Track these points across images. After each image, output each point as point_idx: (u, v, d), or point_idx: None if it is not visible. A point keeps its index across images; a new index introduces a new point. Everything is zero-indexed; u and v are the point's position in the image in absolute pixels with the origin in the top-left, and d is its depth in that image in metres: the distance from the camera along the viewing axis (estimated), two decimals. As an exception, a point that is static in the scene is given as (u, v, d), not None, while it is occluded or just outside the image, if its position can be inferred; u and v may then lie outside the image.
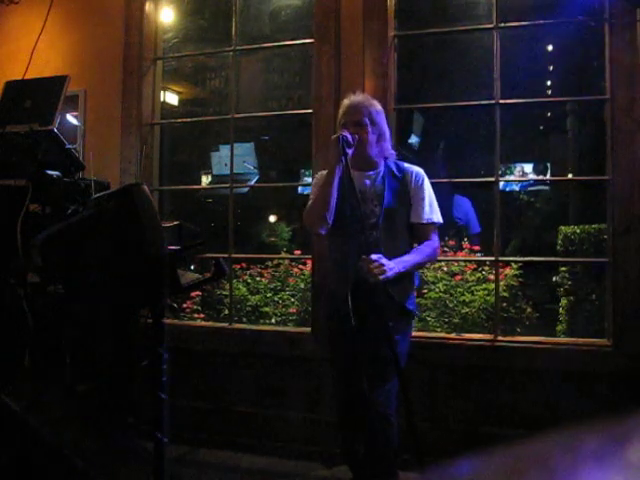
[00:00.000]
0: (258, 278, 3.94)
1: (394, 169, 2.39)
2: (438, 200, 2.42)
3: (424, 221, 2.33)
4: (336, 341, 2.41)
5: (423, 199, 2.33)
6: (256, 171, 4.84)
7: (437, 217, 2.36)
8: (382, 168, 2.38)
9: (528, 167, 5.32)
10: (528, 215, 5.06)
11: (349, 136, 2.20)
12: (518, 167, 5.28)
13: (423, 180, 2.36)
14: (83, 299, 1.81)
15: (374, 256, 2.12)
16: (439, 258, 3.47)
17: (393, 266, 2.15)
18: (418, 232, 2.36)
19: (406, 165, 2.42)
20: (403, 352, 2.31)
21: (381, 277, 2.10)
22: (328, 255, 2.48)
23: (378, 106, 2.38)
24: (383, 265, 2.11)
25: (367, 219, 2.25)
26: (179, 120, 4.18)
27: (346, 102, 2.36)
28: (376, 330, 2.14)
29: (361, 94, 2.44)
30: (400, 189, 2.34)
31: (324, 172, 2.35)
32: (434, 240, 2.35)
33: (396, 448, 2.32)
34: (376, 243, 2.23)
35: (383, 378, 2.24)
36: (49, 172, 2.37)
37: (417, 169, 2.40)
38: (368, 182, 2.34)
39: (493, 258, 3.06)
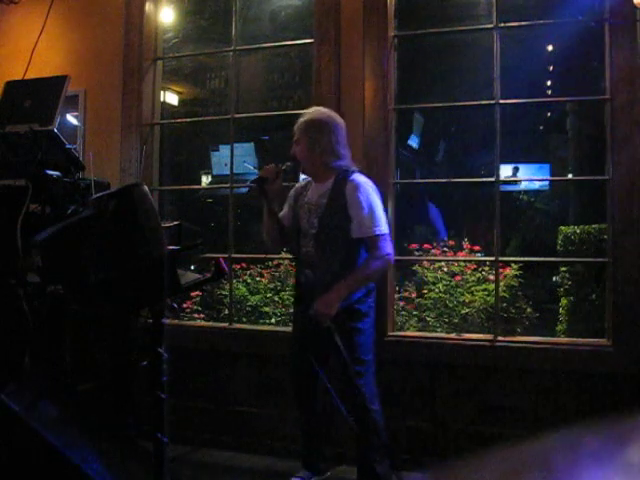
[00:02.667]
0: (258, 278, 3.94)
1: (341, 181, 2.41)
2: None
3: (364, 235, 2.35)
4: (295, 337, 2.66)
5: (361, 211, 2.34)
6: (256, 171, 4.83)
7: (379, 229, 2.35)
8: (331, 181, 2.43)
9: (528, 167, 5.32)
10: (528, 215, 5.06)
11: (264, 175, 2.41)
12: (519, 167, 5.28)
13: (360, 190, 2.36)
14: (83, 299, 1.81)
15: (318, 302, 2.28)
16: (439, 258, 3.47)
17: (330, 301, 2.28)
18: (365, 245, 2.40)
19: (352, 177, 2.42)
20: (362, 343, 2.42)
21: (327, 319, 2.28)
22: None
23: (322, 120, 2.44)
24: (324, 313, 2.27)
25: (309, 231, 2.43)
26: (179, 120, 4.18)
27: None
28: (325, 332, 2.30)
29: (310, 110, 2.53)
30: (340, 201, 2.38)
31: (298, 185, 2.60)
32: (380, 249, 2.35)
33: (380, 435, 2.40)
34: (310, 256, 2.42)
35: (347, 372, 2.34)
36: (49, 172, 2.37)
37: (359, 180, 2.40)
38: (316, 194, 2.47)
39: (493, 258, 3.06)
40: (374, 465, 2.39)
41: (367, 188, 2.39)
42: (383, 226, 2.37)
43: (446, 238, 3.92)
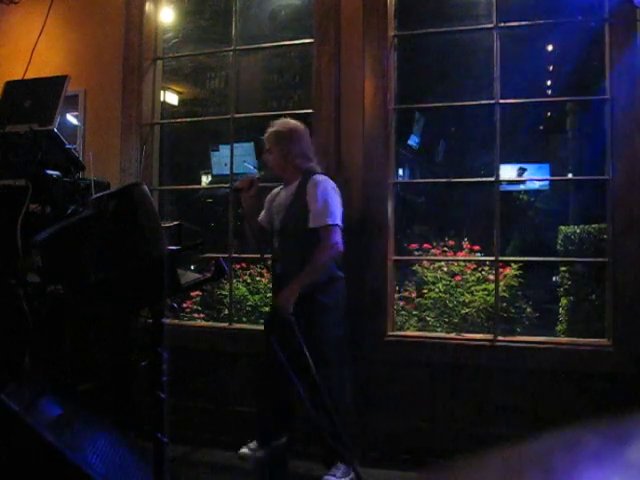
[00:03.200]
0: (258, 278, 3.94)
1: (305, 180, 2.64)
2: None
3: (314, 225, 2.56)
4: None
5: (317, 204, 2.56)
6: (256, 171, 4.83)
7: (324, 220, 2.54)
8: (297, 182, 2.68)
9: (528, 167, 5.32)
10: (528, 215, 5.06)
11: (240, 185, 2.70)
12: (525, 167, 5.28)
13: (316, 187, 2.59)
14: (83, 299, 1.81)
15: (279, 294, 2.53)
16: (439, 258, 3.48)
17: (285, 297, 2.49)
18: (318, 235, 2.57)
19: (314, 175, 2.65)
20: (323, 336, 2.56)
21: (286, 312, 2.47)
22: None
23: (285, 128, 2.72)
24: (282, 307, 2.48)
25: (277, 228, 2.68)
26: (179, 120, 4.19)
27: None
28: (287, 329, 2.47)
29: (276, 122, 2.77)
30: (301, 199, 2.61)
31: (275, 190, 2.84)
32: (329, 239, 2.54)
33: (339, 434, 2.48)
34: (278, 251, 2.68)
35: (308, 370, 2.45)
36: (49, 172, 2.37)
37: (317, 178, 2.63)
38: (283, 196, 2.73)
39: (493, 258, 3.06)
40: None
41: (326, 185, 2.62)
42: (336, 219, 2.56)
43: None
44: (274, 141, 2.71)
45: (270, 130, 2.74)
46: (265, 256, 2.93)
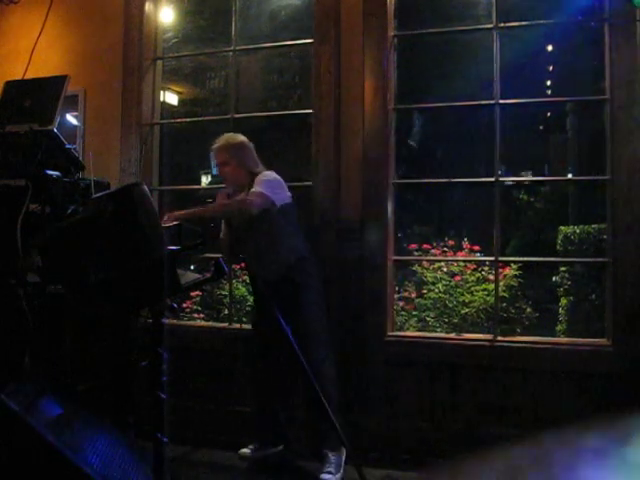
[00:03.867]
0: (258, 278, 3.93)
1: (251, 182, 2.81)
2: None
3: (249, 196, 2.73)
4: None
5: (258, 185, 2.74)
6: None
7: (261, 188, 2.70)
8: (247, 185, 2.83)
9: (528, 167, 5.32)
10: (528, 215, 5.06)
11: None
12: (518, 167, 5.27)
13: (263, 174, 2.80)
14: (83, 299, 1.81)
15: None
16: (439, 258, 3.47)
17: (180, 214, 2.58)
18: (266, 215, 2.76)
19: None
20: (306, 315, 2.68)
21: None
22: None
23: (235, 140, 2.90)
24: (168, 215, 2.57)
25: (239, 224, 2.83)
26: (179, 120, 4.18)
27: (213, 147, 2.90)
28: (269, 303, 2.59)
29: (221, 138, 2.91)
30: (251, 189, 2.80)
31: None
32: (248, 196, 2.71)
33: (334, 402, 2.58)
34: (249, 249, 2.80)
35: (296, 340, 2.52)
36: (49, 172, 2.37)
37: (264, 172, 2.84)
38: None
39: (493, 258, 3.06)
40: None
41: (269, 174, 2.82)
42: (265, 189, 2.72)
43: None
44: (230, 153, 2.87)
45: (221, 145, 2.89)
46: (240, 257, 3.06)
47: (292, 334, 2.48)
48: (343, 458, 2.67)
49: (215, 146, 2.92)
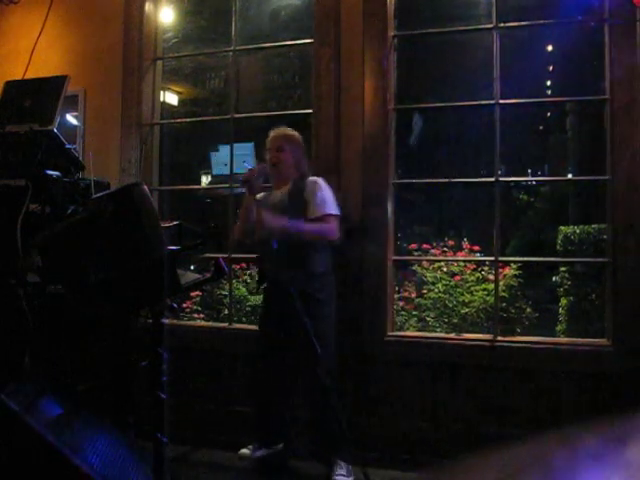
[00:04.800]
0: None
1: (298, 182, 2.83)
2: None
3: (316, 215, 2.71)
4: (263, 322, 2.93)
5: (314, 198, 2.73)
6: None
7: (327, 209, 2.72)
8: (290, 184, 2.84)
9: (528, 167, 5.32)
10: (528, 215, 5.06)
11: (251, 174, 2.74)
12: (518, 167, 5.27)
13: (315, 184, 2.77)
14: (83, 299, 1.81)
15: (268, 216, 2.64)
16: (438, 258, 3.48)
17: (277, 220, 2.64)
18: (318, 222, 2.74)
19: (308, 177, 2.84)
20: (321, 330, 2.62)
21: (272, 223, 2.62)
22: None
23: (297, 138, 2.89)
24: (265, 219, 2.61)
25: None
26: (179, 120, 4.18)
27: (272, 134, 2.89)
28: (289, 315, 2.57)
29: (285, 128, 2.91)
30: (299, 196, 2.79)
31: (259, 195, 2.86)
32: (329, 224, 2.71)
33: (339, 420, 2.56)
34: (274, 251, 2.66)
35: (309, 355, 2.54)
36: (49, 172, 2.37)
37: (314, 178, 2.82)
38: (280, 196, 2.84)
39: (493, 258, 3.06)
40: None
41: (322, 182, 2.79)
42: (335, 210, 2.75)
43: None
44: (289, 144, 2.86)
45: (282, 133, 2.89)
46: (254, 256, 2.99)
47: (304, 345, 2.50)
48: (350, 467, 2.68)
49: (275, 132, 2.90)
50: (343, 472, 2.64)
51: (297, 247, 2.69)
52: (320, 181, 2.81)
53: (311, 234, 2.72)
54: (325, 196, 2.76)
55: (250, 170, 2.78)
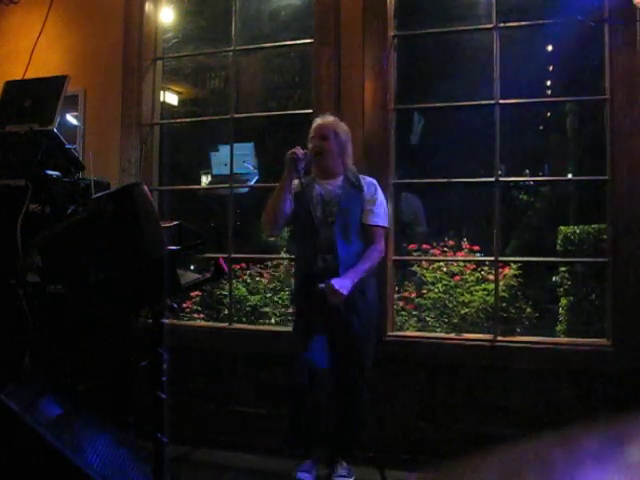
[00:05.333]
0: (258, 278, 3.94)
1: (352, 179, 2.71)
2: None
3: (372, 223, 2.64)
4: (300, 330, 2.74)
5: (374, 204, 2.65)
6: (256, 171, 4.83)
7: (383, 221, 2.66)
8: (342, 178, 2.71)
9: (527, 167, 5.31)
10: (528, 215, 5.05)
11: (299, 154, 2.54)
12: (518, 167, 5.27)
13: (376, 189, 2.69)
14: (83, 299, 1.81)
15: (333, 281, 2.45)
16: (438, 258, 3.48)
17: (346, 285, 2.47)
18: (368, 233, 2.65)
19: (362, 176, 2.74)
20: (366, 333, 2.62)
21: (340, 298, 2.46)
22: (295, 258, 2.88)
23: (345, 127, 2.73)
24: (339, 291, 2.44)
25: (326, 219, 2.61)
26: (179, 120, 4.18)
27: (318, 120, 2.74)
28: (334, 319, 2.50)
29: (333, 116, 2.77)
30: (355, 194, 2.66)
31: (302, 181, 2.65)
32: (379, 243, 2.64)
33: (364, 422, 2.62)
34: (331, 240, 2.57)
35: (349, 355, 2.54)
36: (49, 172, 2.37)
37: (371, 180, 2.73)
38: (330, 188, 2.69)
39: (493, 258, 3.06)
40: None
41: (378, 187, 2.72)
42: (387, 223, 2.71)
43: (425, 230, 3.90)
44: (337, 134, 2.70)
45: (331, 121, 2.72)
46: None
47: (345, 343, 2.49)
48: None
49: (322, 119, 2.73)
50: (344, 473, 2.63)
51: (354, 248, 2.61)
52: (378, 185, 2.72)
53: (371, 269, 2.61)
54: (383, 204, 2.68)
55: (298, 148, 2.59)
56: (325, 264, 2.59)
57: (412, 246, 3.60)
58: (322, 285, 2.46)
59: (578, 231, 3.42)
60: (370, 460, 2.53)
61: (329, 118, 2.74)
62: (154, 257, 1.61)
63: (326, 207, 2.65)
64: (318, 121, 2.73)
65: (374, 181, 2.73)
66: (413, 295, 3.54)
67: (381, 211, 2.66)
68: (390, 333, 3.05)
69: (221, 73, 4.94)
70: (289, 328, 3.56)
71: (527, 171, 4.67)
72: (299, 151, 2.56)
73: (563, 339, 3.11)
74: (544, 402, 2.78)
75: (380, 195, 2.69)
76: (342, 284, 2.47)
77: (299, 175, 2.56)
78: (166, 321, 1.71)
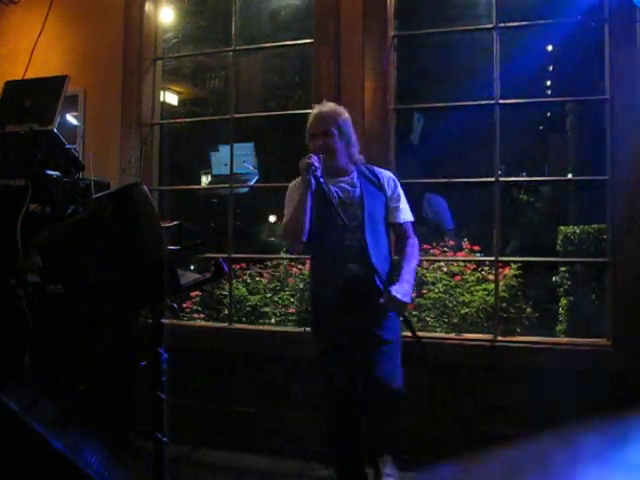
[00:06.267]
0: (258, 278, 3.93)
1: (367, 173, 2.50)
2: (412, 199, 2.59)
3: (402, 221, 2.48)
4: (329, 349, 2.46)
5: (399, 200, 2.49)
6: (256, 171, 4.83)
7: (410, 215, 2.52)
8: (355, 173, 2.49)
9: (528, 167, 5.31)
10: (528, 215, 5.05)
11: (316, 159, 2.30)
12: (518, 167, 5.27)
13: (396, 182, 2.52)
14: (83, 299, 1.81)
15: (394, 291, 2.25)
16: (439, 258, 3.47)
17: (407, 291, 2.29)
18: (398, 230, 2.52)
19: (377, 169, 2.54)
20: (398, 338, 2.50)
21: (405, 308, 2.32)
22: (313, 262, 2.57)
23: (345, 114, 2.47)
24: (403, 300, 2.26)
25: (349, 223, 2.28)
26: (179, 120, 4.19)
27: (314, 112, 2.47)
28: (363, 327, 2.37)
29: (329, 104, 2.51)
30: (377, 192, 2.47)
31: (297, 182, 2.48)
32: (413, 237, 2.50)
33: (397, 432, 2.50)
34: (355, 248, 2.31)
35: (384, 359, 2.42)
36: (49, 172, 2.37)
37: (389, 173, 2.55)
38: (345, 187, 2.45)
39: (493, 258, 3.06)
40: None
41: (397, 179, 2.55)
42: (411, 213, 2.54)
43: (452, 227, 3.89)
44: (340, 128, 2.42)
45: (331, 111, 2.45)
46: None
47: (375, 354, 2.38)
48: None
49: (320, 110, 2.45)
50: (390, 471, 2.45)
51: (383, 250, 2.44)
52: (394, 176, 2.54)
53: (416, 265, 2.46)
54: (404, 197, 2.50)
55: (312, 156, 2.32)
56: (354, 273, 2.35)
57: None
58: (382, 299, 2.26)
59: (578, 231, 3.42)
60: (369, 460, 2.52)
61: (326, 107, 2.47)
62: (154, 257, 1.61)
63: (347, 210, 2.37)
64: (315, 114, 2.46)
65: (391, 175, 2.54)
66: (413, 295, 3.54)
67: (406, 205, 2.50)
68: (390, 333, 3.05)
69: (221, 73, 4.95)
70: (289, 328, 3.57)
71: (524, 173, 4.68)
72: (315, 159, 2.31)
73: (563, 339, 3.11)
74: (544, 402, 2.78)
75: (400, 188, 2.51)
76: (403, 291, 2.27)
77: (318, 181, 2.29)
78: (166, 321, 1.71)
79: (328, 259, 2.40)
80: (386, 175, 2.52)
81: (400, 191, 2.51)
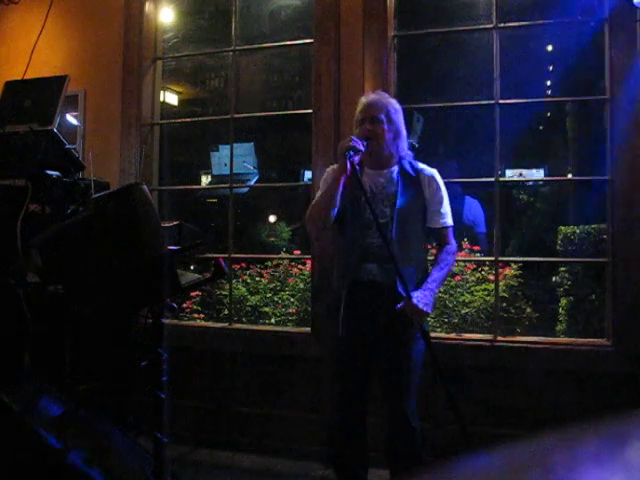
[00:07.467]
0: (258, 278, 3.94)
1: (409, 169, 2.31)
2: (451, 201, 2.39)
3: (441, 226, 2.30)
4: (341, 350, 2.33)
5: (440, 203, 2.30)
6: (256, 171, 4.84)
7: (450, 220, 2.33)
8: (396, 167, 2.31)
9: (528, 167, 5.31)
10: (528, 215, 5.06)
11: (358, 143, 2.13)
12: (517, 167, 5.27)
13: (439, 183, 2.31)
14: (83, 299, 1.81)
15: (415, 299, 2.10)
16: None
17: (429, 300, 2.14)
18: (437, 235, 2.35)
19: (421, 166, 2.34)
20: (418, 360, 2.36)
21: (424, 318, 2.16)
22: (334, 256, 2.42)
23: (397, 105, 2.33)
24: (423, 310, 2.11)
25: (376, 220, 2.10)
26: (179, 120, 4.18)
27: (364, 99, 2.32)
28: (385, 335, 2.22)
29: (381, 92, 2.42)
30: (415, 191, 2.28)
31: (334, 166, 2.28)
32: (451, 244, 2.32)
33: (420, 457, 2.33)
34: (378, 247, 2.17)
35: (402, 385, 2.32)
36: (49, 172, 2.37)
37: (433, 171, 2.34)
38: (381, 181, 2.28)
39: (493, 258, 3.06)
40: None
41: (441, 179, 2.34)
42: (451, 217, 2.35)
43: (485, 231, 3.84)
44: (389, 116, 2.26)
45: (379, 98, 2.30)
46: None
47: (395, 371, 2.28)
48: None
49: (370, 98, 2.30)
50: None
51: (415, 255, 2.27)
52: (438, 175, 2.32)
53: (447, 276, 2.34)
54: (447, 200, 2.31)
55: (353, 138, 2.14)
56: (371, 274, 2.20)
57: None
58: (399, 305, 2.09)
59: (578, 231, 3.42)
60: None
61: (377, 94, 2.34)
62: (154, 257, 1.61)
63: (377, 205, 2.20)
64: (365, 100, 2.30)
65: (436, 173, 2.32)
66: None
67: (448, 209, 2.30)
68: (390, 333, 3.05)
69: (221, 73, 4.95)
70: (289, 328, 3.57)
71: (523, 173, 4.67)
72: (357, 142, 2.12)
73: (563, 339, 3.10)
74: (544, 402, 2.78)
75: (444, 190, 2.31)
76: (424, 300, 2.12)
77: (353, 168, 2.09)
78: (166, 321, 1.71)
79: (345, 255, 2.26)
80: (427, 173, 2.31)
81: (442, 194, 2.30)
